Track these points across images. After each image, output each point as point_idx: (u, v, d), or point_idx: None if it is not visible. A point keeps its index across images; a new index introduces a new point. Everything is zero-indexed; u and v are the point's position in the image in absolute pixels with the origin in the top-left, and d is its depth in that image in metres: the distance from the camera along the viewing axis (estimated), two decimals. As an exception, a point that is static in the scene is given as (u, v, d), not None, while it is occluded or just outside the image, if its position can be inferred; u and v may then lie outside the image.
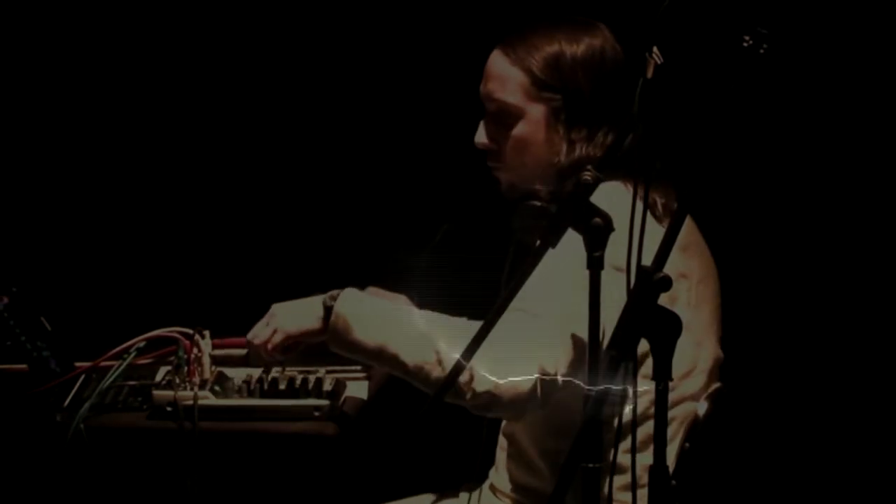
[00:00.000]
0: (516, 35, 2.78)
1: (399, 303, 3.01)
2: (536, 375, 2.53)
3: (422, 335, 2.63)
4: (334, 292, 2.72)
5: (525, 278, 2.26)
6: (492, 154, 2.82)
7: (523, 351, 2.52)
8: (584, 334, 2.52)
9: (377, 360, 2.68)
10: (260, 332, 2.80)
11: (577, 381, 2.58)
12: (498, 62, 2.77)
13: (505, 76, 2.75)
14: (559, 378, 2.55)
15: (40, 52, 3.95)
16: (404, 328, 2.65)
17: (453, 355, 2.57)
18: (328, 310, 2.71)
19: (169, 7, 3.95)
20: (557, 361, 2.54)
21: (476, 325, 2.63)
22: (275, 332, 2.78)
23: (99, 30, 3.94)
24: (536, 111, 2.75)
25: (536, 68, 2.73)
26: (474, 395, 2.55)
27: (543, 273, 2.27)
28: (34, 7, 3.93)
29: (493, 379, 2.52)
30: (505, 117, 2.77)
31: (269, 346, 2.78)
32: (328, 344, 2.73)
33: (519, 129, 2.76)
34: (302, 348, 2.82)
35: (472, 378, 2.54)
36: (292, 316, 2.76)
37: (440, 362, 2.59)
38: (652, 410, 2.19)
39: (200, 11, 3.94)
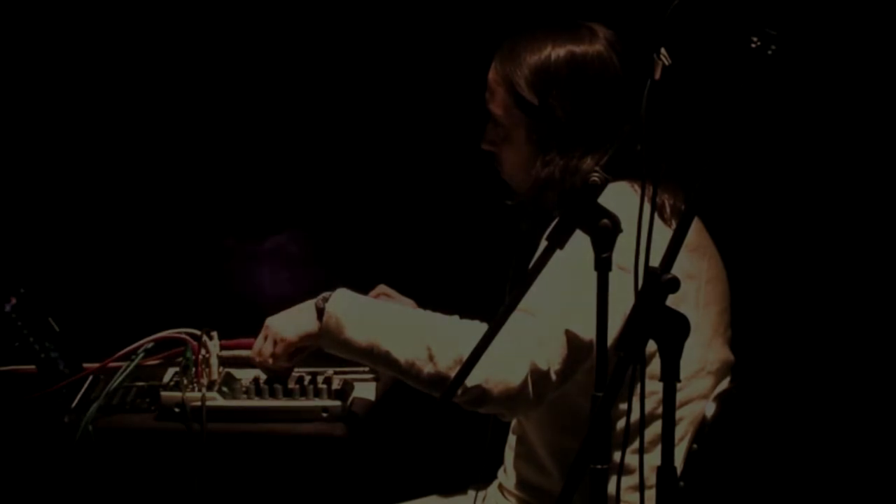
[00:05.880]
0: (507, 44, 2.80)
1: (404, 305, 3.01)
2: (527, 371, 2.54)
3: (413, 332, 2.64)
4: (326, 294, 2.74)
5: (533, 279, 2.26)
6: (494, 158, 2.85)
7: (516, 347, 2.53)
8: (582, 333, 2.54)
9: (370, 358, 2.69)
10: (261, 348, 2.81)
11: (574, 379, 2.59)
12: (491, 73, 2.82)
13: (494, 88, 2.81)
14: (552, 375, 2.55)
15: (44, 54, 3.95)
16: (395, 325, 2.67)
17: (444, 352, 2.59)
18: (321, 311, 2.72)
19: (170, 8, 3.95)
20: (551, 358, 2.55)
21: (468, 322, 2.65)
22: (275, 343, 2.78)
23: (99, 30, 3.94)
24: (517, 124, 2.78)
25: (517, 85, 2.76)
26: (465, 389, 2.55)
27: (547, 273, 2.27)
28: (34, 7, 3.93)
29: (484, 374, 2.53)
30: (498, 125, 2.81)
31: (273, 358, 2.79)
32: (322, 345, 2.74)
33: (507, 139, 2.80)
34: (306, 353, 2.82)
35: None
36: (288, 324, 2.77)
37: (431, 358, 2.60)
38: (660, 411, 2.19)
39: (201, 12, 3.94)
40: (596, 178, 2.22)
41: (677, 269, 2.10)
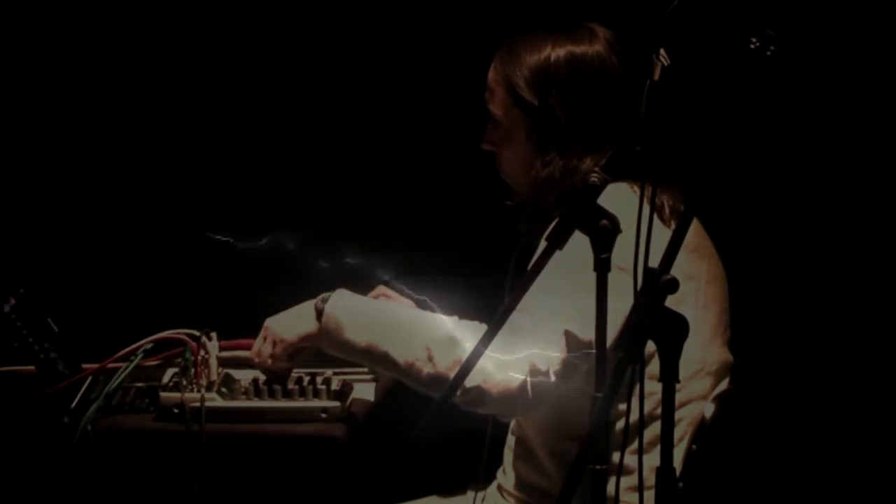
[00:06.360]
0: (507, 44, 2.80)
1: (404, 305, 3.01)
2: (527, 372, 2.54)
3: (412, 333, 2.64)
4: (325, 294, 2.74)
5: (532, 280, 2.26)
6: (494, 158, 2.85)
7: (516, 348, 2.53)
8: (581, 334, 2.54)
9: (369, 359, 2.69)
10: (261, 348, 2.81)
11: (574, 381, 2.59)
12: (490, 73, 2.82)
13: (493, 88, 2.81)
14: (552, 376, 2.55)
15: (43, 53, 3.95)
16: (394, 326, 2.67)
17: (444, 352, 2.59)
18: (320, 311, 2.72)
19: (170, 9, 3.95)
20: (550, 360, 2.55)
21: (467, 323, 2.65)
22: (274, 343, 2.79)
23: (98, 29, 3.94)
24: (516, 124, 2.78)
25: (516, 85, 2.76)
26: (464, 390, 2.55)
27: (547, 274, 2.27)
28: (34, 7, 3.93)
29: (483, 375, 2.53)
30: (498, 125, 2.81)
31: (272, 359, 2.79)
32: (321, 346, 2.74)
33: (506, 139, 2.81)
34: (306, 354, 2.82)
35: None
36: (287, 325, 2.78)
37: (431, 359, 2.61)
38: (659, 411, 2.18)
39: (203, 12, 3.94)
40: (595, 179, 2.22)
41: (677, 270, 2.10)
